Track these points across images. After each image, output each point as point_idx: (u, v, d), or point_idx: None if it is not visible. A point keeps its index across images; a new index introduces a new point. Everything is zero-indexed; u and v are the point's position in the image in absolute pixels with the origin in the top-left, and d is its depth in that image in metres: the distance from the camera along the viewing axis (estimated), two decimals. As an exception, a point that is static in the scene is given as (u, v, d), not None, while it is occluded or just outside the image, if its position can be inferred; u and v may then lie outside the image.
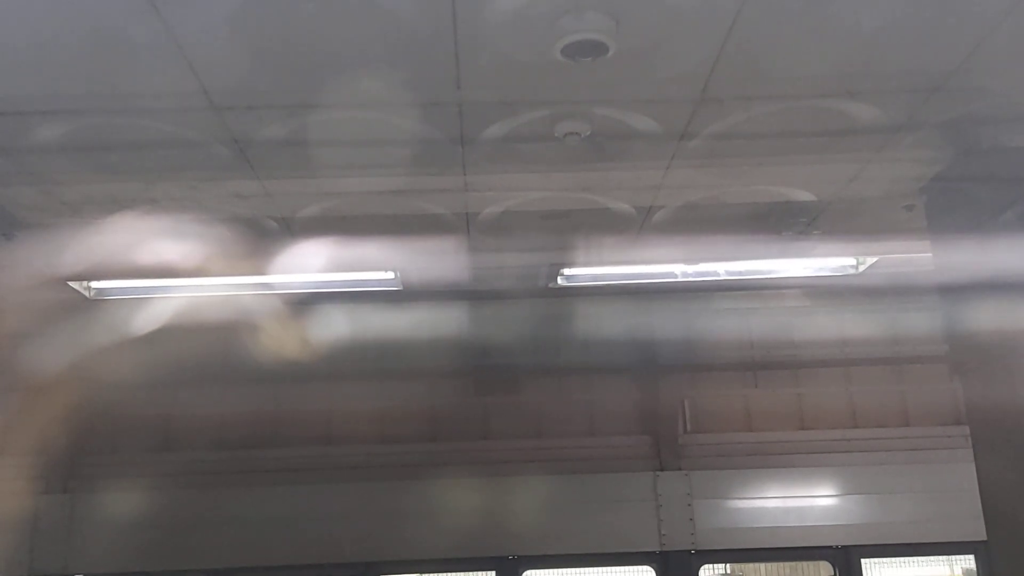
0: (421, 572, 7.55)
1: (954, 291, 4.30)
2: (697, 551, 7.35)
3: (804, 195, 4.49)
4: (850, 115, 3.62)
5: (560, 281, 5.86)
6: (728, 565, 7.87)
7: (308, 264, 5.54)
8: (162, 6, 2.69)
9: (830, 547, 7.34)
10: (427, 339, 6.39)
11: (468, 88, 3.28)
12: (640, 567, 7.45)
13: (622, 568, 7.53)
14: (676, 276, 5.82)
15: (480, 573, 7.55)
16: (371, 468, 7.35)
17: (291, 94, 3.31)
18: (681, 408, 7.81)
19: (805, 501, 7.50)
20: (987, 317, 4.10)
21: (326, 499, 7.27)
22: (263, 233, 4.56)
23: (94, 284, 5.13)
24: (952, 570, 7.63)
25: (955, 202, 4.29)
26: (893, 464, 7.37)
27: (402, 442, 7.50)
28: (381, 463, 7.36)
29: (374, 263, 5.33)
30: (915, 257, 5.24)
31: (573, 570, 7.55)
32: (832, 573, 7.40)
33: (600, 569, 7.54)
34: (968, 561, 7.40)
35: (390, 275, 5.50)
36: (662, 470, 7.58)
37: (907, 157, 4.07)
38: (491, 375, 7.37)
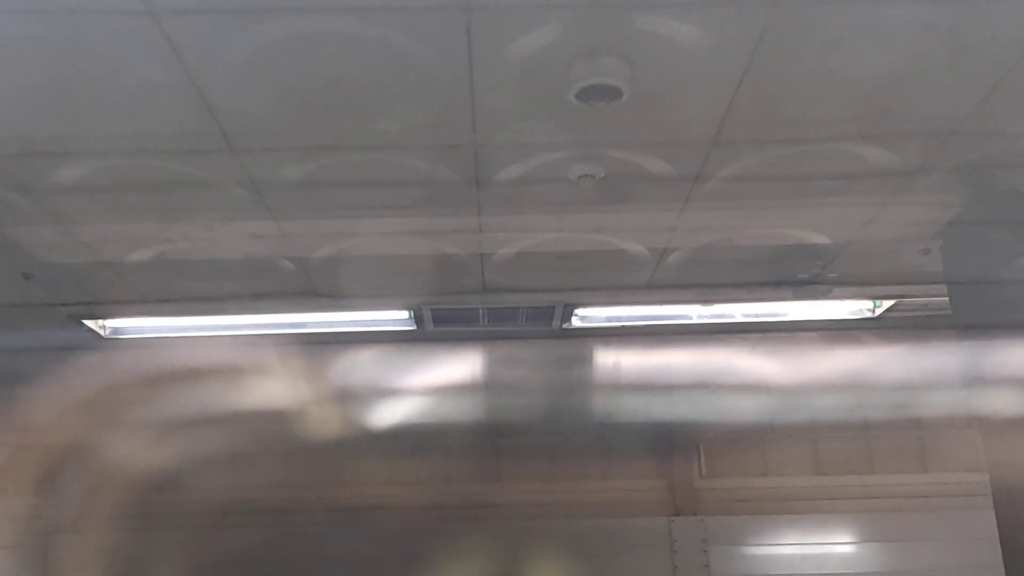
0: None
1: (971, 335, 4.26)
2: (713, 598, 7.25)
3: (819, 238, 4.47)
4: (865, 158, 3.61)
5: (575, 322, 5.84)
6: (744, 612, 7.72)
7: (322, 304, 5.53)
8: (182, 50, 2.73)
9: (848, 595, 7.22)
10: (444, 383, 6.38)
11: (484, 131, 3.30)
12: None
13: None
14: (691, 318, 5.78)
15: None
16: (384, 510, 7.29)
17: (308, 136, 3.34)
18: (696, 452, 7.73)
19: (822, 548, 7.40)
20: (1006, 362, 4.06)
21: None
22: (278, 273, 4.58)
23: (109, 323, 5.12)
24: (973, 619, 7.47)
25: (972, 246, 4.26)
26: (911, 511, 7.28)
27: (415, 484, 7.43)
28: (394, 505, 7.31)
29: (388, 304, 5.34)
30: (933, 301, 5.21)
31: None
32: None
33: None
34: (989, 611, 7.26)
35: (404, 315, 5.49)
36: (677, 515, 7.48)
37: (923, 201, 4.05)
38: (503, 419, 7.32)
